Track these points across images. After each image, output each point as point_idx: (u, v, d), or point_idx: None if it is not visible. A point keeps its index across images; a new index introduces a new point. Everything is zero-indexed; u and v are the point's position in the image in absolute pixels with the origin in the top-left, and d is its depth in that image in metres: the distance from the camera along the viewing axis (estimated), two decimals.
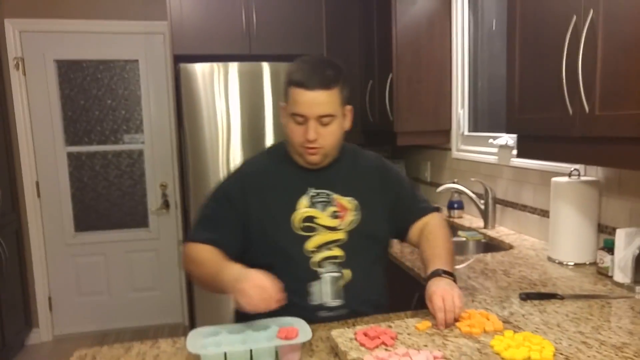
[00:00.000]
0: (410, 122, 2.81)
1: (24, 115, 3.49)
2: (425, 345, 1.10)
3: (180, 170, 3.43)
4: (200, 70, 3.02)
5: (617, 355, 1.10)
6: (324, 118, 1.30)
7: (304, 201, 1.37)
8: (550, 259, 1.86)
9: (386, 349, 1.08)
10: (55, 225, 3.64)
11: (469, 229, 2.46)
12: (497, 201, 2.43)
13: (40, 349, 3.54)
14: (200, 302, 3.05)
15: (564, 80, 1.41)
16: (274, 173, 1.42)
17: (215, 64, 3.01)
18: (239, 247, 1.37)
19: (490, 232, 2.34)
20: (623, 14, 1.24)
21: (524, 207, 2.27)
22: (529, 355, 1.03)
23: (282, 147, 1.46)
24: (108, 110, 3.71)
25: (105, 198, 3.75)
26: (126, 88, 3.72)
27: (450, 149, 2.93)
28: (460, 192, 2.56)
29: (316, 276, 1.34)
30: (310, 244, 1.35)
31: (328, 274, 1.35)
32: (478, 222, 2.50)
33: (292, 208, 1.36)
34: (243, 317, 1.22)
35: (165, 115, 3.72)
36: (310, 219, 1.37)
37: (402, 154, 3.59)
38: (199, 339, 1.10)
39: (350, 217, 1.39)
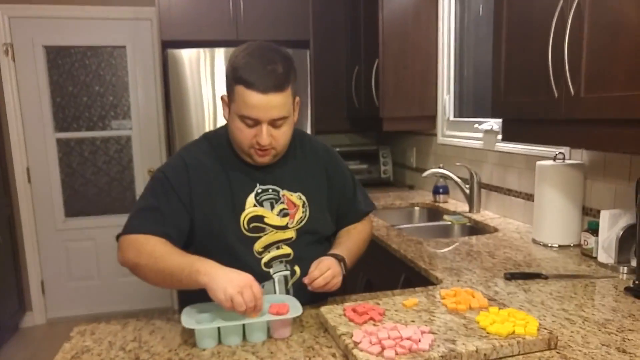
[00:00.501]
0: (396, 108, 2.83)
1: (13, 101, 3.47)
2: (413, 321, 1.13)
3: (168, 156, 3.42)
4: (187, 56, 3.01)
5: (600, 330, 1.14)
6: (277, 121, 1.22)
7: (250, 199, 1.30)
8: (534, 241, 1.90)
9: (374, 324, 1.11)
10: (46, 210, 3.65)
11: (454, 213, 2.49)
12: (482, 186, 2.47)
13: (34, 331, 3.57)
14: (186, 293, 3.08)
15: (550, 64, 1.43)
16: (219, 168, 1.31)
17: (201, 50, 3.00)
18: (184, 241, 1.28)
19: (475, 216, 2.37)
20: None
21: (508, 191, 2.31)
22: (513, 330, 1.06)
23: (223, 138, 1.34)
24: (96, 97, 3.69)
25: (94, 184, 3.75)
26: (114, 74, 3.70)
27: (435, 135, 2.96)
28: (445, 177, 2.60)
29: (267, 276, 1.29)
30: (258, 245, 1.30)
31: (279, 274, 1.31)
32: (463, 207, 2.54)
33: (241, 208, 1.28)
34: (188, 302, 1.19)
35: (153, 101, 3.72)
36: (259, 218, 1.29)
37: (388, 140, 3.62)
38: (193, 315, 1.13)
39: (300, 215, 1.33)
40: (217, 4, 2.99)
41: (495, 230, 2.13)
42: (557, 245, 1.82)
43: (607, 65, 1.27)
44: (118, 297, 3.80)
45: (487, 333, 1.06)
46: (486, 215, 2.40)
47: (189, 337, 1.13)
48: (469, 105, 2.80)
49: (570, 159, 1.90)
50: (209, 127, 3.15)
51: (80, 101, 3.66)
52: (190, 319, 1.11)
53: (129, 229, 1.24)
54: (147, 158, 3.76)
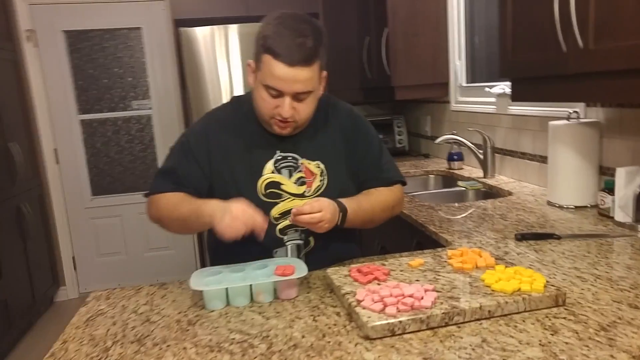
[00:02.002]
0: (407, 76, 2.80)
1: (38, 85, 3.58)
2: (417, 280, 1.14)
3: None
4: (201, 34, 3.03)
5: (612, 287, 1.11)
6: (301, 94, 1.22)
7: (269, 166, 1.32)
8: (549, 203, 1.86)
9: (378, 284, 1.12)
10: (74, 189, 3.79)
11: (469, 179, 2.47)
12: (496, 150, 2.43)
13: (67, 305, 3.76)
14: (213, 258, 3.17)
15: (557, 16, 1.38)
16: (240, 133, 1.33)
17: (215, 27, 3.01)
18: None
19: (490, 181, 2.35)
20: None
21: (523, 155, 2.27)
22: (519, 287, 1.05)
23: (248, 103, 1.34)
24: (116, 78, 3.77)
25: (118, 163, 3.87)
26: (131, 56, 3.77)
27: (449, 102, 2.92)
28: (459, 144, 2.56)
29: (281, 243, 1.33)
30: (275, 211, 1.32)
31: (292, 242, 1.34)
32: (478, 173, 2.51)
33: (259, 173, 1.31)
34: (218, 258, 1.24)
35: (170, 80, 3.77)
36: (275, 184, 1.31)
37: (403, 110, 3.59)
38: (201, 278, 1.17)
39: (317, 183, 1.34)
40: None
41: (509, 193, 2.10)
42: (573, 207, 1.78)
43: (615, 14, 1.22)
44: (145, 270, 3.93)
45: (492, 290, 1.05)
46: (501, 179, 2.37)
47: (198, 300, 1.17)
48: (482, 70, 2.75)
49: (585, 118, 1.85)
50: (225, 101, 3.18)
51: (101, 83, 3.75)
52: (199, 281, 1.15)
53: (151, 190, 1.34)
54: (167, 136, 3.82)
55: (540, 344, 0.88)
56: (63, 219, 3.79)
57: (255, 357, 0.91)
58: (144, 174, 3.89)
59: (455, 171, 2.66)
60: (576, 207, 1.78)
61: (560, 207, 1.81)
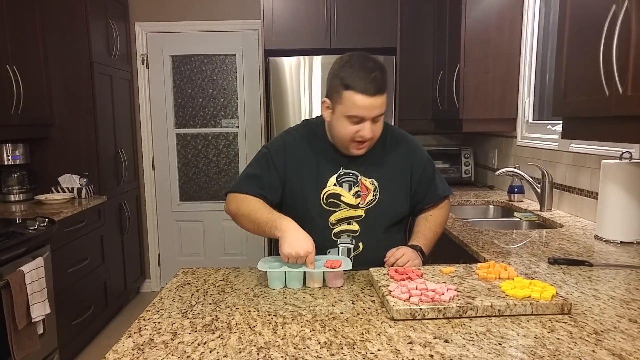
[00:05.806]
0: (475, 110, 2.97)
1: (145, 101, 4.15)
2: (444, 282, 1.33)
3: None
4: (287, 63, 3.37)
5: (621, 306, 1.24)
6: (377, 117, 1.48)
7: (332, 179, 1.57)
8: (597, 237, 1.95)
9: (410, 282, 1.33)
10: (165, 194, 4.29)
11: (525, 210, 2.57)
12: (555, 186, 2.52)
13: (150, 296, 4.20)
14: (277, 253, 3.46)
15: (601, 65, 1.53)
16: (312, 150, 1.59)
17: (301, 57, 3.35)
18: (277, 205, 1.60)
19: (545, 214, 2.43)
20: None
21: (580, 191, 2.35)
22: (529, 294, 1.21)
23: (319, 126, 1.61)
24: (209, 98, 4.24)
25: (205, 173, 4.32)
26: (225, 79, 4.23)
27: (515, 137, 3.03)
28: (521, 177, 2.67)
29: (334, 245, 1.57)
30: (333, 217, 1.57)
31: (344, 245, 1.57)
32: (535, 206, 2.60)
33: (323, 185, 1.56)
34: None
35: (257, 103, 4.18)
36: (336, 196, 1.56)
37: (472, 141, 3.72)
38: (268, 263, 1.44)
39: (370, 197, 1.58)
40: (313, 16, 3.34)
41: (561, 226, 2.19)
42: (619, 242, 1.86)
43: None
44: None
45: (506, 295, 1.22)
46: (556, 214, 2.45)
47: (263, 280, 1.44)
48: (551, 108, 2.84)
49: (638, 158, 1.93)
50: None
51: (197, 102, 4.25)
52: (264, 265, 1.42)
53: (236, 189, 1.58)
54: (250, 153, 4.23)
55: (535, 337, 1.05)
56: (153, 219, 4.30)
57: (301, 321, 1.16)
58: (226, 185, 4.31)
59: (515, 203, 2.76)
60: (621, 242, 1.86)
61: (607, 241, 1.90)
